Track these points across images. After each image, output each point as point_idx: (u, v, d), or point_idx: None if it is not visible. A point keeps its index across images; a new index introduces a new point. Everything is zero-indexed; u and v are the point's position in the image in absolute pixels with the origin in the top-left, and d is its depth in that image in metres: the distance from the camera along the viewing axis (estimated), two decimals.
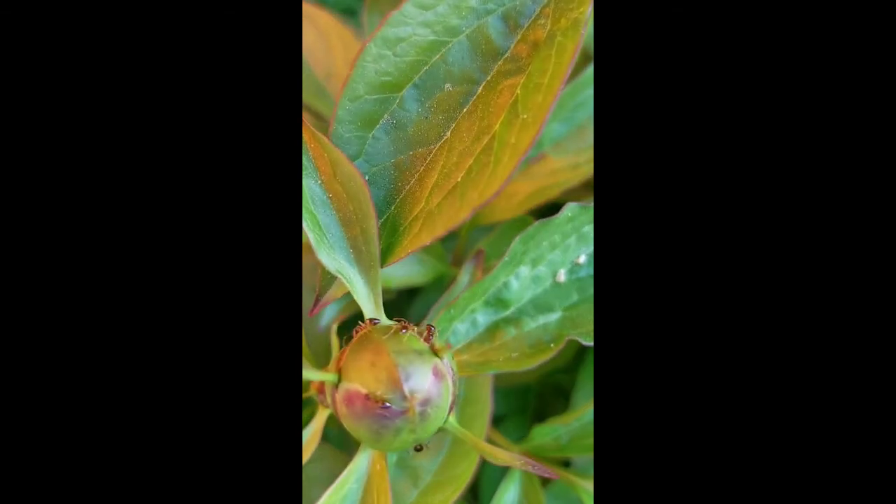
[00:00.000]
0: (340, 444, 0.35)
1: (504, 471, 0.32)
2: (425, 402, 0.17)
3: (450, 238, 0.43)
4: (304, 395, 0.25)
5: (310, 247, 0.19)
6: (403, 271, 0.35)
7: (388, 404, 0.17)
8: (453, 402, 0.18)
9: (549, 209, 0.28)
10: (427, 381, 0.17)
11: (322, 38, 0.40)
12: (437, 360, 0.17)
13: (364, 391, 0.17)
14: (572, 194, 0.33)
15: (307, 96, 0.39)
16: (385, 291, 0.35)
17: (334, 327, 0.24)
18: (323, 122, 0.39)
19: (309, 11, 0.40)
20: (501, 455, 0.17)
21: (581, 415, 0.32)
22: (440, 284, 0.38)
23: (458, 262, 0.38)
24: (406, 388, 0.17)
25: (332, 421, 0.25)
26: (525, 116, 0.18)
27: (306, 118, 0.39)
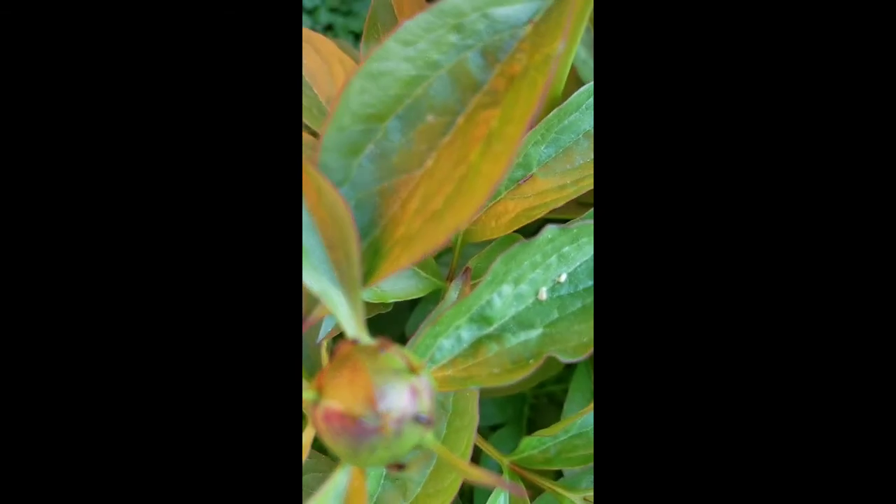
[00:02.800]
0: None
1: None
2: (400, 421, 0.17)
3: (445, 254, 0.44)
4: None
5: None
6: (400, 286, 0.36)
7: (363, 422, 0.17)
8: (431, 420, 0.18)
9: (538, 228, 0.29)
10: (403, 399, 0.17)
11: (325, 63, 0.41)
12: (414, 378, 0.18)
13: (341, 409, 0.17)
14: (559, 213, 0.34)
15: (311, 119, 0.40)
16: (382, 305, 0.36)
17: (325, 343, 0.25)
18: None
19: (312, 38, 0.40)
20: (477, 474, 0.18)
21: (569, 427, 0.32)
22: (436, 298, 0.39)
23: (452, 278, 0.38)
24: (381, 407, 0.17)
25: None
26: (498, 148, 0.18)
27: (305, 143, 0.39)
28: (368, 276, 0.20)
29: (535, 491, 0.33)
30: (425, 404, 0.18)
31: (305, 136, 0.39)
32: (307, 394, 0.18)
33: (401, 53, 0.19)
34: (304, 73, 0.40)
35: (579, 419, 0.32)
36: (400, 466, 0.19)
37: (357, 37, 0.54)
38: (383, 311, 0.36)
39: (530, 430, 0.43)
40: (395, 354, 0.18)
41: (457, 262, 0.38)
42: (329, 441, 0.18)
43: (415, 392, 0.18)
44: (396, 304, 0.36)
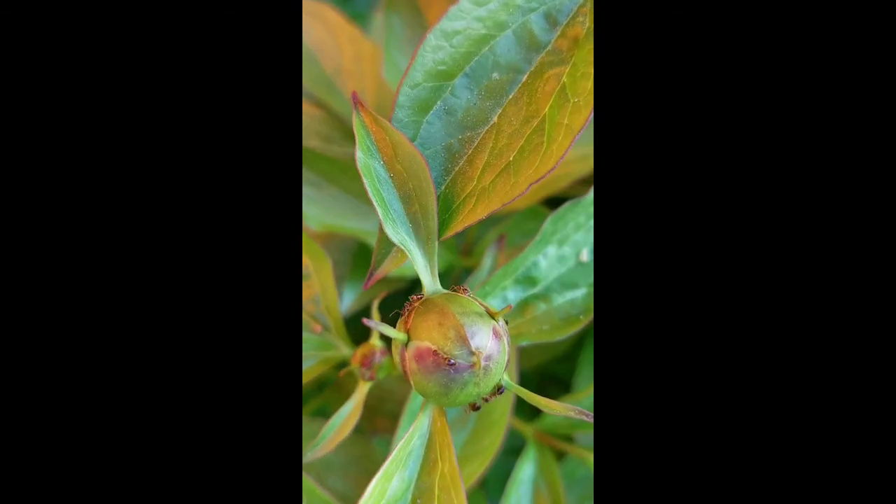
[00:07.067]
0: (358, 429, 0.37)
1: (513, 461, 0.34)
2: (488, 358, 0.19)
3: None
4: (346, 369, 0.27)
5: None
6: None
7: (455, 360, 0.19)
8: (508, 360, 0.20)
9: (559, 199, 0.31)
10: (489, 339, 0.19)
11: (331, 34, 0.42)
12: (494, 322, 0.20)
13: (434, 348, 0.19)
14: (581, 185, 0.36)
15: (317, 90, 0.41)
16: (399, 280, 0.37)
17: (376, 303, 0.26)
18: (330, 115, 0.41)
19: (318, 10, 0.42)
20: (552, 404, 0.20)
21: (588, 395, 0.34)
22: (450, 273, 0.41)
23: (466, 253, 0.40)
24: (472, 345, 0.19)
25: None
26: (576, 100, 0.20)
27: (317, 110, 0.40)
28: (442, 228, 0.21)
29: (556, 456, 0.36)
30: (505, 346, 0.20)
31: (308, 108, 0.40)
32: (399, 335, 0.20)
33: (473, 13, 0.21)
34: (310, 45, 0.41)
35: None
36: (477, 407, 0.21)
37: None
38: (399, 287, 0.37)
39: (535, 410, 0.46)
40: (473, 299, 0.20)
41: (472, 236, 0.40)
42: (419, 381, 0.19)
43: (497, 334, 0.20)
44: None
